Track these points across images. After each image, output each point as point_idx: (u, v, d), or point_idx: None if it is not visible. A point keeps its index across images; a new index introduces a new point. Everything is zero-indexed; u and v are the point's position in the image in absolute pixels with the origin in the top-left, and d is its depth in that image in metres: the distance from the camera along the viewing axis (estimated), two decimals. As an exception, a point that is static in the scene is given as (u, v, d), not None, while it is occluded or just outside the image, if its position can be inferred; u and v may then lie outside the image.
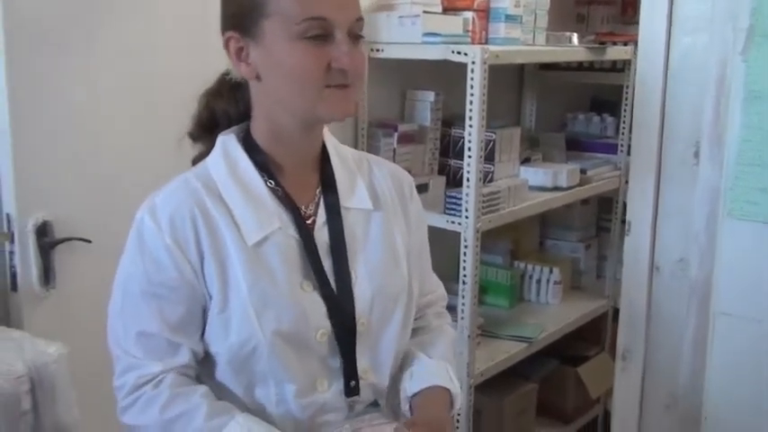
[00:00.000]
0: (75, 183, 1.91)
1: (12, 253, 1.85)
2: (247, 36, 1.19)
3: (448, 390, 1.34)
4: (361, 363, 1.27)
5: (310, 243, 1.24)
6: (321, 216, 1.27)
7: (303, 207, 1.27)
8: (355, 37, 1.18)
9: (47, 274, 1.87)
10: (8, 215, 1.84)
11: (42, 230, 1.85)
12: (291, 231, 1.24)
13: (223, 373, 1.23)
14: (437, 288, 1.52)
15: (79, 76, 1.90)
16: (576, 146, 3.24)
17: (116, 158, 1.97)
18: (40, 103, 1.83)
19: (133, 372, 1.21)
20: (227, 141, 1.27)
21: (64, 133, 1.88)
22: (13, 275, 1.86)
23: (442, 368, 1.36)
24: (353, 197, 1.31)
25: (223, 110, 1.31)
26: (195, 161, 1.34)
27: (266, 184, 1.24)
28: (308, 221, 1.26)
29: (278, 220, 1.23)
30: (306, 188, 1.29)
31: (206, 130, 1.33)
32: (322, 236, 1.26)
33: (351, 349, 1.25)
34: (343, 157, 1.34)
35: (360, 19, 1.19)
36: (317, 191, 1.29)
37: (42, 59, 1.82)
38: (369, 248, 1.29)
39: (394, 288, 1.30)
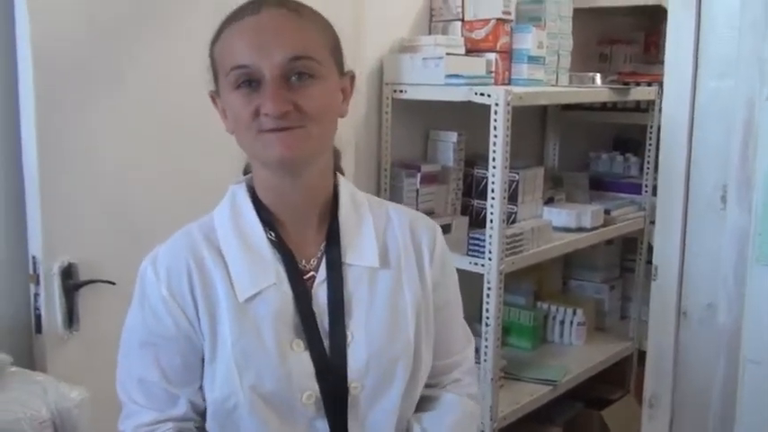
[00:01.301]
0: (100, 225, 1.92)
1: (37, 295, 1.85)
2: (219, 94, 1.20)
3: None
4: (354, 430, 1.19)
5: (305, 300, 1.19)
6: (322, 272, 1.21)
7: (304, 261, 1.22)
8: (298, 78, 1.13)
9: (70, 317, 1.88)
10: (34, 257, 1.85)
11: (67, 273, 1.86)
12: (286, 288, 1.19)
13: (210, 427, 1.21)
14: (463, 349, 1.37)
15: (105, 121, 1.91)
16: (600, 185, 3.23)
17: (141, 201, 1.98)
18: (67, 147, 1.85)
19: (131, 419, 1.21)
20: (237, 191, 1.26)
21: (89, 176, 1.90)
22: (38, 317, 1.86)
23: None
24: (358, 253, 1.23)
25: None
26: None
27: (267, 237, 1.21)
28: (308, 276, 1.21)
29: (274, 276, 1.19)
30: (310, 243, 1.24)
31: None
32: (321, 293, 1.20)
33: (341, 414, 1.19)
34: (358, 206, 1.27)
35: (298, 58, 1.12)
36: (322, 246, 1.24)
37: (70, 105, 1.84)
38: (370, 308, 1.21)
39: (395, 352, 1.21)
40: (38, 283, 1.85)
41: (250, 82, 1.12)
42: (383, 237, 1.27)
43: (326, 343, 1.18)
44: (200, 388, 1.21)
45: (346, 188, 1.28)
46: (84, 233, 1.90)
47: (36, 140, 1.81)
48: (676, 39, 1.92)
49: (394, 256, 1.26)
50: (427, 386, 1.30)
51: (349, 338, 1.19)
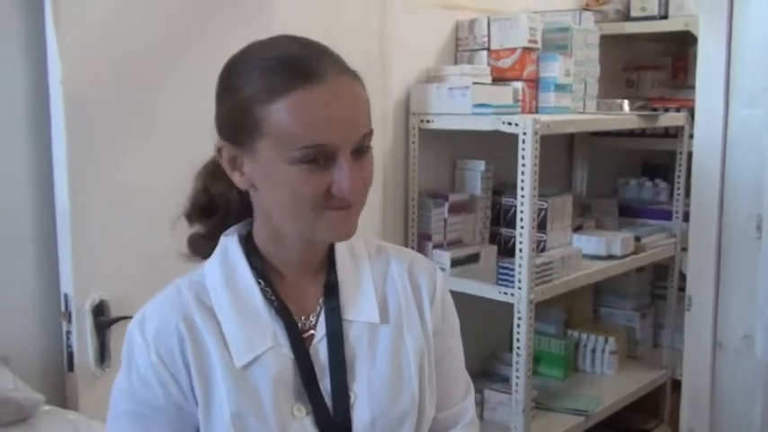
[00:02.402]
0: (131, 262, 1.93)
1: (69, 333, 1.87)
2: (241, 148, 1.09)
3: None
4: None
5: (305, 363, 1.12)
6: (321, 329, 1.15)
7: (303, 318, 1.16)
8: (360, 152, 1.07)
9: (102, 354, 1.88)
10: (66, 295, 1.86)
11: (99, 310, 1.87)
12: (285, 350, 1.12)
13: None
14: (463, 398, 1.30)
15: (135, 160, 1.93)
16: (629, 212, 3.20)
17: (170, 239, 1.97)
18: (97, 186, 1.87)
19: None
20: (229, 245, 1.18)
21: (120, 214, 1.91)
22: (70, 355, 1.87)
23: None
24: (358, 308, 1.18)
25: (221, 192, 1.22)
26: (191, 241, 1.26)
27: (263, 295, 1.14)
28: (307, 335, 1.15)
29: (271, 339, 1.12)
30: (307, 297, 1.18)
31: (204, 214, 1.24)
32: (320, 352, 1.14)
33: None
34: (356, 256, 1.22)
35: (368, 134, 1.08)
36: (320, 300, 1.17)
37: (100, 145, 1.87)
38: (372, 366, 1.16)
39: (400, 409, 1.16)
40: (69, 320, 1.86)
41: (319, 159, 1.04)
42: (382, 289, 1.21)
43: (329, 404, 1.12)
44: None
45: None
46: (114, 270, 1.91)
47: (67, 179, 1.83)
48: (707, 67, 1.91)
49: (394, 309, 1.20)
50: None
51: (352, 399, 1.13)
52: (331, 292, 1.18)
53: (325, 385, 1.13)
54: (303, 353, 1.13)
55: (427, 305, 1.23)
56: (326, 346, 1.14)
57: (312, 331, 1.16)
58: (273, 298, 1.14)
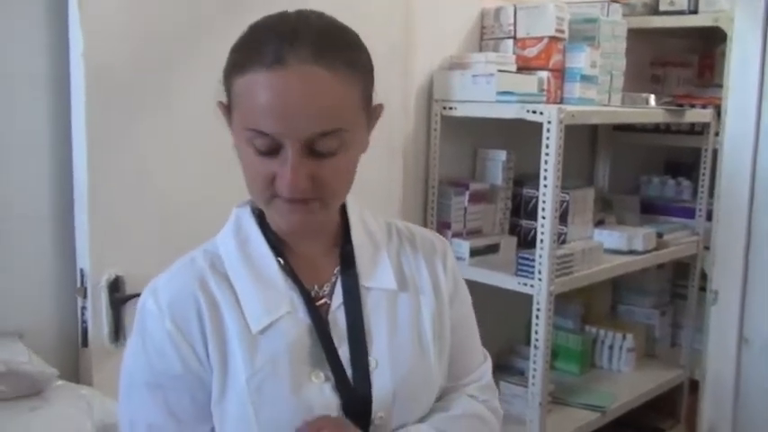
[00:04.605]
0: (148, 239, 1.91)
1: (84, 308, 1.85)
2: (228, 116, 1.09)
3: None
4: None
5: (323, 328, 1.11)
6: (337, 298, 1.14)
7: (317, 287, 1.15)
8: (319, 149, 1.01)
9: (117, 330, 1.87)
10: (82, 270, 1.85)
11: (114, 286, 1.85)
12: (302, 315, 1.11)
13: None
14: (480, 365, 1.29)
15: (154, 136, 1.92)
16: (651, 209, 3.16)
17: (188, 214, 1.96)
18: (116, 162, 1.85)
19: None
20: (242, 215, 1.17)
21: (138, 191, 1.89)
22: (85, 331, 1.85)
23: (414, 430, 1.15)
24: (376, 276, 1.17)
25: None
26: None
27: (278, 263, 1.13)
28: (320, 302, 1.14)
29: (287, 304, 1.11)
30: (322, 268, 1.16)
31: None
32: (337, 320, 1.13)
33: None
34: (369, 227, 1.21)
35: (326, 134, 1.00)
36: (336, 270, 1.16)
37: (120, 120, 1.85)
38: (394, 333, 1.14)
39: (420, 378, 1.15)
40: (85, 296, 1.85)
41: (264, 144, 1.01)
42: (397, 258, 1.21)
43: (348, 372, 1.10)
44: (213, 429, 1.10)
45: (355, 210, 1.21)
46: (131, 247, 1.89)
47: (86, 155, 1.81)
48: (741, 62, 1.87)
49: (410, 278, 1.20)
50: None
51: (372, 365, 1.12)
52: (347, 260, 1.16)
53: (344, 352, 1.11)
54: (320, 319, 1.12)
55: (441, 273, 1.23)
56: (344, 313, 1.13)
57: (326, 299, 1.14)
58: (287, 267, 1.13)
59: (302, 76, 0.99)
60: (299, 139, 1.00)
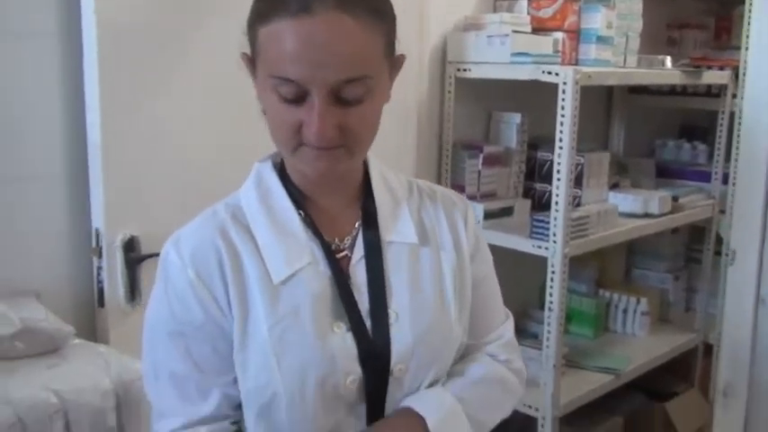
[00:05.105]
0: (163, 199, 1.90)
1: (99, 268, 1.85)
2: (252, 66, 1.09)
3: (422, 418, 1.11)
4: (390, 412, 1.12)
5: (344, 280, 1.11)
6: (358, 251, 1.14)
7: (338, 241, 1.15)
8: (345, 97, 1.01)
9: (132, 290, 1.87)
10: (97, 230, 1.84)
11: (129, 246, 1.85)
12: (323, 267, 1.11)
13: (247, 419, 1.13)
14: (502, 323, 1.29)
15: (169, 94, 1.90)
16: (666, 173, 3.14)
17: (204, 173, 1.95)
18: (130, 121, 1.84)
19: (166, 420, 1.12)
20: (263, 170, 1.17)
21: (152, 148, 1.88)
22: (101, 291, 1.86)
23: (433, 395, 1.15)
24: (397, 230, 1.17)
25: None
26: None
27: (299, 215, 1.13)
28: (341, 256, 1.14)
29: (309, 255, 1.11)
30: (343, 222, 1.16)
31: None
32: (358, 272, 1.13)
33: (381, 397, 1.11)
34: (390, 183, 1.21)
35: (351, 80, 1.00)
36: (357, 224, 1.16)
37: (134, 78, 1.83)
38: (414, 287, 1.15)
39: (441, 332, 1.15)
40: (100, 256, 1.85)
41: (291, 91, 1.01)
42: (418, 213, 1.21)
43: (368, 324, 1.11)
44: (236, 380, 1.11)
45: (376, 165, 1.22)
46: (146, 206, 1.89)
47: (100, 113, 1.80)
48: (761, 22, 1.83)
49: (431, 233, 1.20)
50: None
51: (392, 318, 1.12)
52: (369, 215, 1.17)
53: (364, 304, 1.11)
54: (341, 271, 1.12)
55: (462, 230, 1.22)
56: (365, 266, 1.13)
57: (347, 252, 1.15)
58: (308, 220, 1.13)
59: (328, 23, 0.98)
60: (326, 86, 1.00)
